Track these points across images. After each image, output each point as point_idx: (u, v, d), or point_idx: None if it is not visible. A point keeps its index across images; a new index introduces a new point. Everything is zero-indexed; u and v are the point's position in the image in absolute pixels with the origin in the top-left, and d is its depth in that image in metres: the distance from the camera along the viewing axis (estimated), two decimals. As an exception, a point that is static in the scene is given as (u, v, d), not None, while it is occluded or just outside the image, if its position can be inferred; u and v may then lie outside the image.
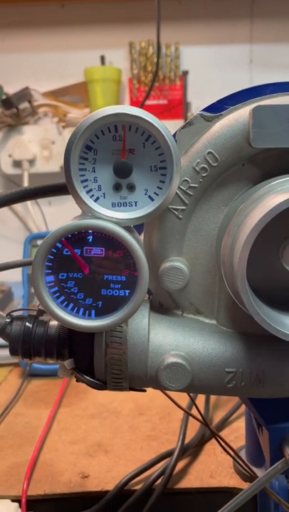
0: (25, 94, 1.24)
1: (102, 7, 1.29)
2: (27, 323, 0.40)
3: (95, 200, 0.35)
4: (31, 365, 0.89)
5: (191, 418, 0.68)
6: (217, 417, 0.73)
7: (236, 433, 0.68)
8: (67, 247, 0.34)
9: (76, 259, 0.35)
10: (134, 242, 0.34)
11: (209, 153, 0.37)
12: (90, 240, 0.35)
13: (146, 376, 0.39)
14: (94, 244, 0.35)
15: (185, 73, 1.30)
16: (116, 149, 0.34)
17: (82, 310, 0.36)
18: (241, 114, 0.37)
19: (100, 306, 0.36)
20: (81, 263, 0.35)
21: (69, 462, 0.64)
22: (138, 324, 0.39)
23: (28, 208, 1.34)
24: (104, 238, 0.35)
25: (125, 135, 0.34)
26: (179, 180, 0.37)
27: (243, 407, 0.71)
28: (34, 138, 1.29)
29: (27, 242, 1.01)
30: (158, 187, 0.35)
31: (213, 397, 0.78)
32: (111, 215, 0.35)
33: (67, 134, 1.28)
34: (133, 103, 1.32)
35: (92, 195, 0.35)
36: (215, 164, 0.37)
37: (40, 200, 1.34)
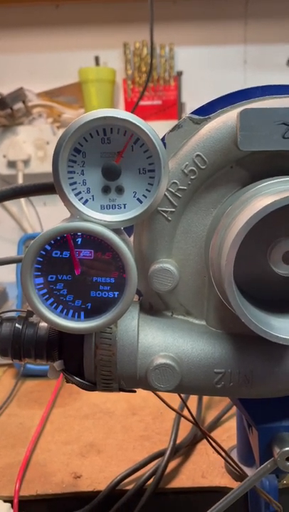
0: (19, 95, 1.24)
1: (96, 8, 1.30)
2: (17, 325, 0.41)
3: (84, 203, 0.35)
4: (25, 366, 0.89)
5: (183, 418, 0.69)
6: (210, 417, 0.73)
7: (228, 432, 0.69)
8: (69, 244, 0.34)
9: (73, 259, 0.35)
10: (123, 245, 0.34)
11: (198, 155, 0.37)
12: (79, 242, 0.35)
13: (136, 377, 0.39)
14: (83, 247, 0.35)
15: (179, 74, 1.30)
16: (104, 152, 0.35)
17: (71, 312, 0.36)
18: (229, 117, 0.37)
19: (89, 307, 0.36)
20: (76, 263, 0.35)
21: (62, 462, 0.64)
22: (127, 325, 0.39)
23: (23, 208, 1.34)
24: (94, 240, 0.35)
25: (128, 143, 0.34)
26: (168, 183, 0.37)
27: (235, 408, 0.71)
28: (28, 138, 1.29)
29: (21, 242, 1.01)
30: (146, 189, 0.35)
31: (205, 397, 0.78)
32: (100, 218, 0.35)
33: (62, 134, 1.28)
34: (127, 103, 1.32)
35: (81, 198, 0.35)
36: (203, 167, 0.38)
37: (34, 201, 1.34)
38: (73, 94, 1.33)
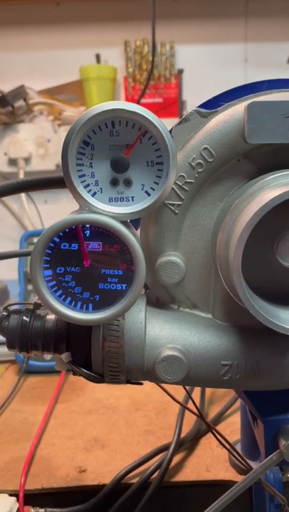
0: (20, 93, 1.24)
1: (97, 5, 1.30)
2: (24, 317, 0.41)
3: (93, 195, 0.35)
4: (28, 362, 0.89)
5: (186, 413, 0.69)
6: (212, 412, 0.73)
7: (232, 427, 0.69)
8: (79, 236, 0.34)
9: (82, 250, 0.35)
10: (132, 237, 0.34)
11: (205, 148, 0.38)
12: (88, 235, 0.35)
13: (143, 369, 0.39)
14: (91, 239, 0.35)
15: (180, 71, 1.31)
16: (113, 145, 0.35)
17: (79, 304, 0.36)
18: (237, 110, 0.38)
19: (97, 299, 0.36)
20: (85, 255, 0.35)
21: (66, 457, 0.64)
22: (135, 318, 0.40)
23: (24, 206, 1.34)
24: (102, 233, 0.35)
25: (139, 137, 0.34)
26: (175, 176, 0.38)
27: (238, 402, 0.72)
28: (29, 136, 1.29)
29: (23, 239, 1.01)
30: (154, 182, 0.35)
31: (208, 393, 0.78)
32: (108, 210, 0.35)
33: (63, 132, 1.29)
34: (128, 101, 1.32)
35: (90, 190, 0.35)
36: (210, 160, 0.38)
37: (35, 199, 1.35)
38: (74, 92, 1.33)
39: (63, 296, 0.36)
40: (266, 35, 1.33)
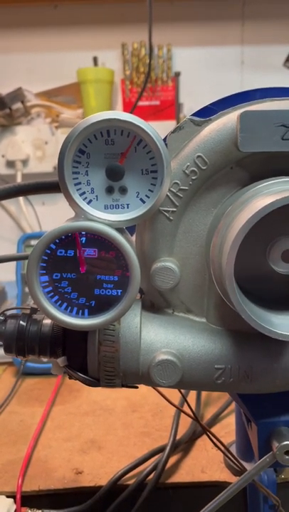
0: (18, 95, 1.24)
1: (94, 8, 1.30)
2: (21, 322, 0.42)
3: (88, 203, 0.36)
4: (25, 364, 0.90)
5: (182, 415, 0.70)
6: (208, 414, 0.74)
7: (227, 429, 0.70)
8: (76, 242, 0.35)
9: (79, 257, 0.35)
10: (126, 243, 0.35)
11: (199, 156, 0.38)
12: (84, 241, 0.36)
13: (138, 373, 0.40)
14: (87, 246, 0.36)
15: (177, 74, 1.31)
16: (108, 153, 0.35)
17: (75, 309, 0.37)
18: (230, 118, 0.38)
19: (93, 305, 0.37)
20: (82, 261, 0.36)
21: (63, 459, 0.65)
22: (130, 323, 0.40)
23: (22, 207, 1.34)
24: (97, 239, 0.36)
25: (131, 145, 0.35)
26: (170, 183, 0.38)
27: (234, 404, 0.72)
28: (27, 138, 1.30)
29: (20, 241, 1.01)
30: (149, 190, 0.36)
31: (204, 395, 0.79)
32: (104, 217, 0.36)
33: (60, 134, 1.29)
34: (125, 104, 1.33)
35: (86, 198, 0.36)
36: (204, 167, 0.38)
37: (33, 200, 1.35)
38: (72, 94, 1.34)
39: (59, 302, 0.37)
40: (263, 38, 1.34)
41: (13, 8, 1.30)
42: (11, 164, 1.31)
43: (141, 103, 1.30)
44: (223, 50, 1.34)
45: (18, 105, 1.26)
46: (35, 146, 1.30)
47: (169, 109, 1.31)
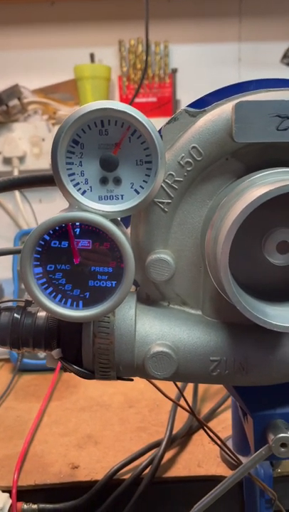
0: (15, 92, 1.24)
1: (91, 5, 1.30)
2: (15, 314, 0.41)
3: (82, 194, 0.36)
4: (22, 361, 0.90)
5: (179, 410, 0.70)
6: (205, 409, 0.74)
7: (223, 424, 0.70)
8: (69, 233, 0.35)
9: (72, 248, 0.35)
10: (121, 234, 0.35)
11: (194, 147, 0.38)
12: (78, 233, 0.36)
13: (133, 365, 0.40)
14: (81, 237, 0.36)
15: (174, 71, 1.31)
16: (102, 143, 0.35)
17: (70, 301, 0.37)
18: (225, 109, 0.38)
19: (87, 296, 0.37)
20: (75, 252, 0.35)
21: (59, 453, 0.65)
22: (125, 315, 0.40)
23: (19, 205, 1.34)
24: (92, 230, 0.36)
25: (125, 135, 0.35)
26: (164, 174, 0.38)
27: (230, 400, 0.72)
28: (24, 135, 1.29)
29: (17, 238, 1.01)
30: (144, 180, 0.36)
31: (200, 391, 0.79)
32: (98, 208, 0.35)
33: (57, 131, 1.29)
34: (123, 100, 1.33)
35: (80, 189, 0.36)
36: (199, 158, 0.38)
37: (30, 198, 1.35)
38: (68, 91, 1.33)
39: (54, 294, 0.36)
40: (260, 35, 1.34)
41: (9, 4, 1.29)
42: (7, 161, 1.30)
43: (138, 100, 1.30)
44: (221, 46, 1.34)
45: (14, 102, 1.26)
46: (32, 143, 1.30)
47: (167, 105, 1.31)
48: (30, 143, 1.30)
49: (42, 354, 0.90)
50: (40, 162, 1.31)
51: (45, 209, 1.36)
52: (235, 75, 1.34)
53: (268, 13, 1.32)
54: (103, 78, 1.28)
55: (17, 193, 1.32)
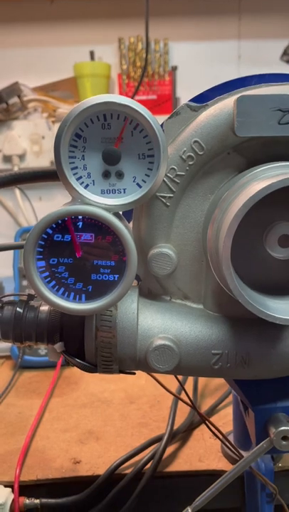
0: (14, 89, 1.24)
1: (91, 3, 1.30)
2: (18, 308, 0.42)
3: (85, 187, 0.36)
4: (23, 357, 0.90)
5: (179, 406, 0.70)
6: (205, 405, 0.74)
7: (224, 419, 0.70)
8: (68, 227, 0.35)
9: (73, 241, 0.35)
10: (123, 228, 0.35)
11: (195, 142, 0.38)
12: (80, 226, 0.36)
13: (136, 358, 0.40)
14: (84, 230, 0.36)
15: (174, 69, 1.31)
16: (105, 137, 0.35)
17: (72, 294, 0.37)
18: (226, 104, 0.38)
19: (90, 290, 0.37)
20: (76, 245, 0.36)
21: (61, 449, 0.65)
22: (127, 308, 0.40)
23: (19, 203, 1.34)
24: (94, 224, 0.36)
25: (125, 127, 0.35)
26: (166, 168, 0.38)
27: (231, 395, 0.72)
28: (24, 133, 1.29)
29: (17, 235, 1.01)
30: (146, 174, 0.36)
31: (201, 386, 0.79)
32: (101, 201, 0.36)
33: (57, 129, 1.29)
34: (122, 98, 1.33)
35: (82, 183, 0.36)
36: (201, 153, 0.38)
37: (30, 196, 1.35)
38: (68, 89, 1.33)
39: (57, 287, 0.37)
40: (259, 32, 1.34)
41: (9, 3, 1.29)
42: (7, 159, 1.30)
43: (138, 97, 1.30)
44: (220, 44, 1.34)
45: (14, 100, 1.26)
46: (32, 140, 1.30)
47: (166, 103, 1.31)
48: (30, 141, 1.30)
49: (43, 351, 0.90)
50: (40, 160, 1.31)
51: (45, 207, 1.36)
52: (235, 73, 1.34)
53: (268, 11, 1.32)
54: (103, 76, 1.28)
55: (17, 190, 1.32)
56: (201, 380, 0.80)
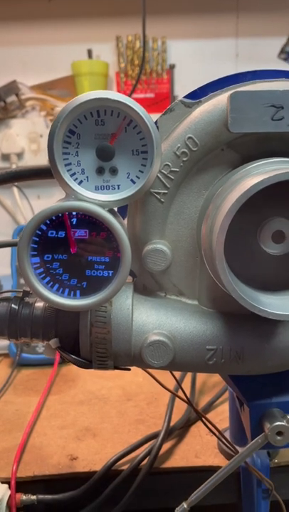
0: (12, 88, 1.24)
1: (89, 1, 1.30)
2: (13, 305, 0.42)
3: (79, 184, 0.36)
4: (21, 355, 0.90)
5: (176, 402, 0.70)
6: (202, 402, 0.74)
7: (221, 416, 0.70)
8: (65, 223, 0.35)
9: (69, 237, 0.36)
10: (117, 224, 0.35)
11: (189, 138, 0.38)
12: (75, 222, 0.36)
13: (130, 354, 0.40)
14: (78, 227, 0.36)
15: (172, 67, 1.31)
16: (99, 134, 0.35)
17: (67, 290, 0.37)
18: (220, 100, 0.38)
19: (84, 286, 0.37)
20: (72, 241, 0.36)
21: (58, 446, 0.65)
22: (122, 304, 0.40)
23: (17, 201, 1.34)
24: (88, 220, 0.36)
25: (122, 125, 0.35)
26: (160, 165, 0.38)
27: (228, 392, 0.73)
28: (22, 131, 1.29)
29: (15, 234, 1.01)
30: (140, 170, 0.36)
31: (198, 383, 0.79)
32: (95, 198, 0.36)
33: (55, 127, 1.29)
34: (120, 96, 1.33)
35: (76, 179, 0.36)
36: (195, 149, 0.39)
37: (28, 194, 1.35)
38: (66, 87, 1.33)
39: (51, 283, 0.37)
40: (257, 30, 1.33)
41: (7, 1, 1.29)
42: (5, 157, 1.30)
43: (136, 96, 1.30)
44: (218, 42, 1.34)
45: (12, 98, 1.26)
46: (30, 139, 1.30)
47: (164, 101, 1.31)
48: (28, 139, 1.30)
49: (41, 349, 0.91)
50: (38, 158, 1.31)
51: (43, 205, 1.33)
52: (233, 71, 1.32)
53: (266, 9, 1.32)
54: (101, 74, 1.28)
55: (15, 189, 1.32)
56: (199, 377, 0.80)
